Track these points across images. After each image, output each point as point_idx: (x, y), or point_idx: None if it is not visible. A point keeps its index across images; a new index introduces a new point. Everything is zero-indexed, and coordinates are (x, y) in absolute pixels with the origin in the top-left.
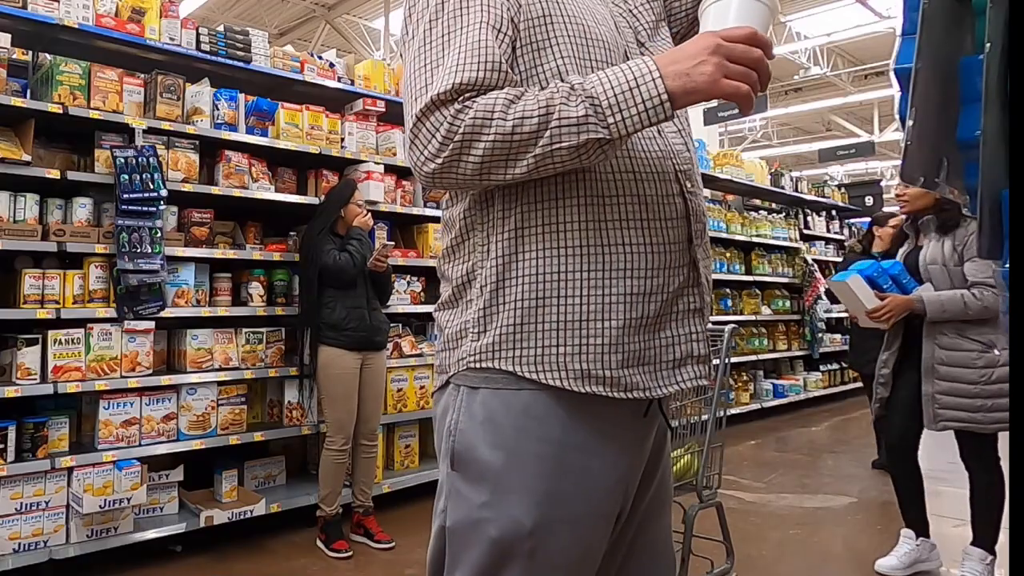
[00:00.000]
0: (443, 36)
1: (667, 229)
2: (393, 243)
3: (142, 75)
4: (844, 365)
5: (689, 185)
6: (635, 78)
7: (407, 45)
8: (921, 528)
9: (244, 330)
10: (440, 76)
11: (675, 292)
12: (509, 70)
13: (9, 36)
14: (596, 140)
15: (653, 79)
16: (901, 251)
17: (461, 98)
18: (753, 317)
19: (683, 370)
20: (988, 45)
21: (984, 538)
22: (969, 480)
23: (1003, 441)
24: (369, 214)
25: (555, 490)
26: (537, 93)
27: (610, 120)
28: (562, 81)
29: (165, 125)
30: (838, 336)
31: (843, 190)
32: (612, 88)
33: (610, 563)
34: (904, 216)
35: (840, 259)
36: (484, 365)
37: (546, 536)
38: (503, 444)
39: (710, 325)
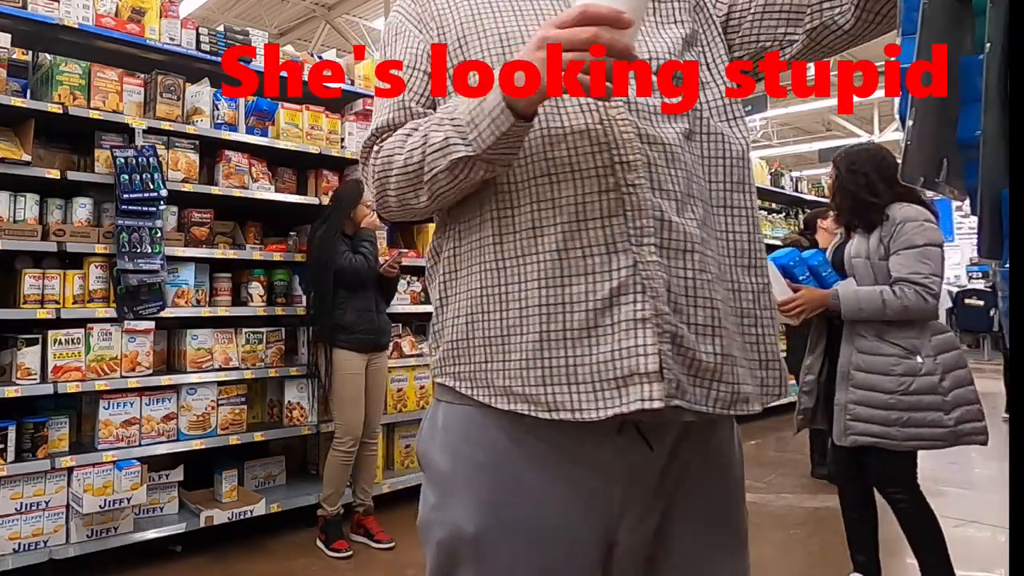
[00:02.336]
0: (379, 83)
1: (585, 231)
2: (407, 251)
3: (142, 75)
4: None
5: (633, 177)
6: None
7: None
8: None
9: (244, 330)
10: (372, 123)
11: (605, 300)
12: (414, 105)
13: (9, 36)
14: (463, 159)
15: (495, 90)
16: (832, 243)
17: (378, 141)
18: None
19: (629, 390)
20: (988, 45)
21: None
22: (896, 515)
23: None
24: (376, 214)
25: (497, 500)
26: (424, 124)
27: (470, 137)
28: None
29: (165, 125)
30: None
31: None
32: (468, 106)
33: None
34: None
35: None
36: (438, 380)
37: (488, 545)
38: (451, 450)
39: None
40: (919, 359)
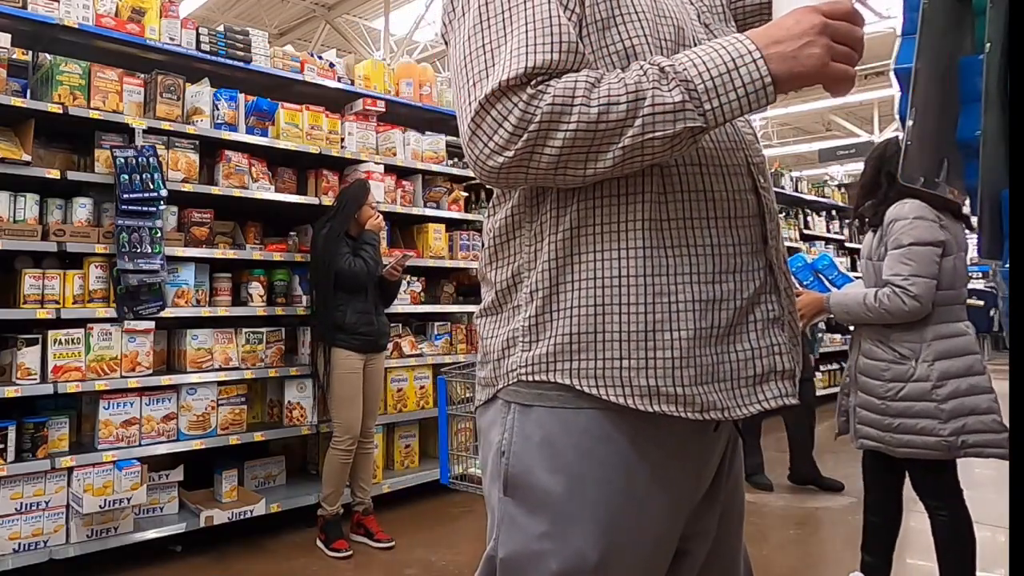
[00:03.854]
0: (504, 11)
1: (738, 228)
2: (412, 254)
3: (142, 75)
4: (844, 365)
5: (762, 180)
6: (732, 59)
7: (456, 22)
8: None
9: (244, 330)
10: (505, 58)
11: (750, 299)
12: (585, 51)
13: (9, 36)
14: (691, 129)
15: (754, 60)
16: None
17: (533, 82)
18: None
19: (765, 387)
20: (988, 45)
21: None
22: (930, 521)
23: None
24: (380, 216)
25: (622, 519)
26: (623, 75)
27: (707, 106)
28: (639, 62)
29: (165, 125)
30: (838, 336)
31: (843, 190)
32: (708, 70)
33: None
34: None
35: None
36: (537, 378)
37: (611, 567)
38: (563, 468)
39: None
40: (912, 364)
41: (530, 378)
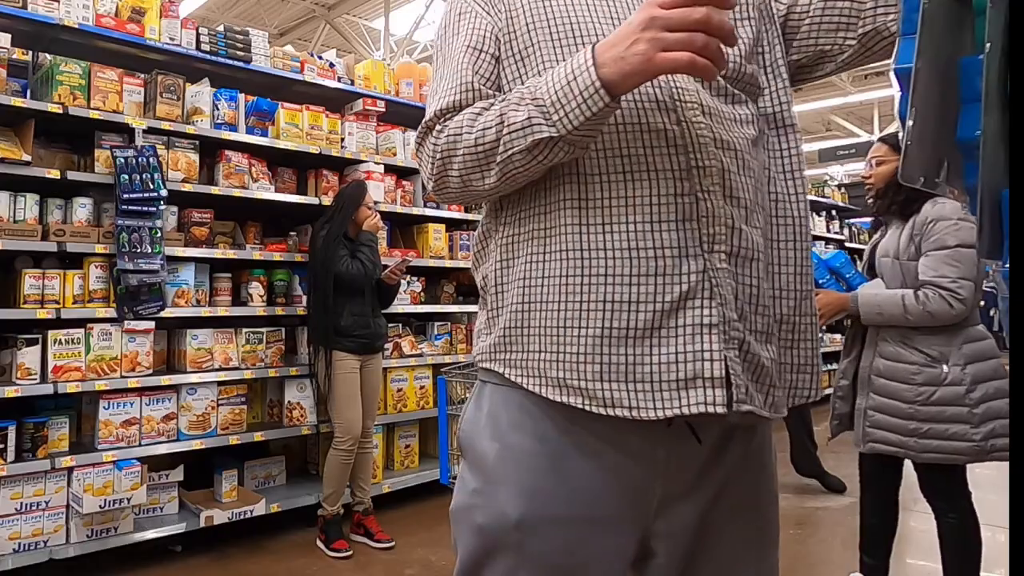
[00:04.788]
0: (439, 63)
1: (662, 232)
2: (411, 259)
3: (142, 75)
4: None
5: (709, 183)
6: (573, 71)
7: None
8: None
9: (244, 330)
10: (431, 104)
11: (675, 303)
12: (483, 86)
13: (9, 36)
14: (545, 140)
15: (587, 68)
16: (872, 241)
17: (442, 120)
18: None
19: (690, 393)
20: (988, 45)
21: None
22: (936, 523)
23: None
24: (378, 216)
25: (543, 488)
26: (499, 103)
27: (555, 117)
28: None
29: (165, 125)
30: (838, 336)
31: (843, 190)
32: (554, 85)
33: None
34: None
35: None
36: (485, 365)
37: (531, 532)
38: (499, 437)
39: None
40: (944, 368)
41: (483, 364)
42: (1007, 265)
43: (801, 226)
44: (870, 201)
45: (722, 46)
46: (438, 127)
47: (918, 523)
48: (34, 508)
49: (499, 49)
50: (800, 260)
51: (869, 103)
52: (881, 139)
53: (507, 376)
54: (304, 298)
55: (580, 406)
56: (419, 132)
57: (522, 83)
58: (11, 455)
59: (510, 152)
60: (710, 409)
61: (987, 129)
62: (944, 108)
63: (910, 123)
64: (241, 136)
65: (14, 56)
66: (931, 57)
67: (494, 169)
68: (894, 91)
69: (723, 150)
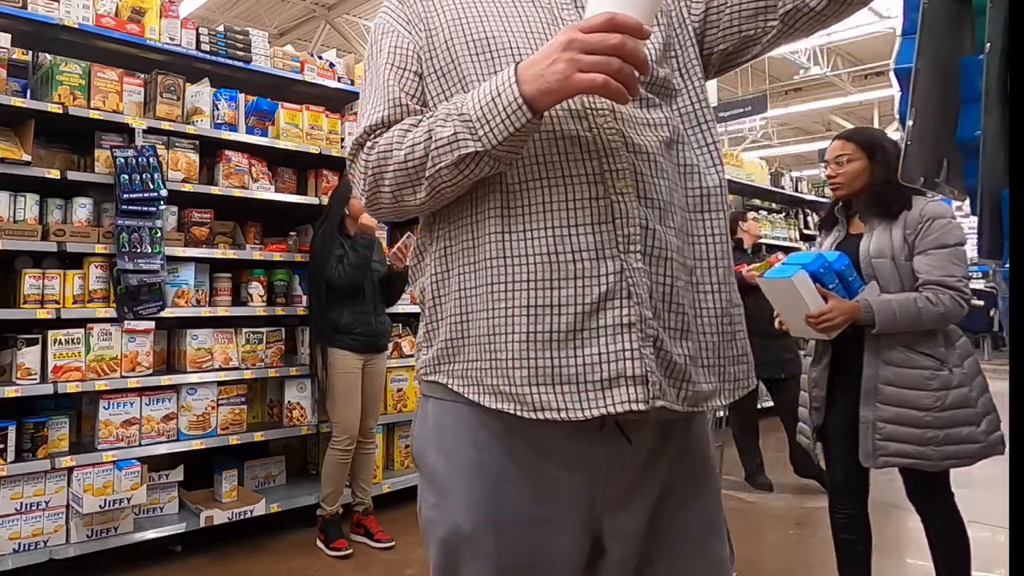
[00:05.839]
0: (367, 81)
1: (578, 236)
2: (412, 237)
3: (142, 75)
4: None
5: (621, 185)
6: (497, 87)
7: None
8: None
9: (244, 330)
10: (360, 121)
11: (594, 304)
12: (410, 103)
13: (9, 36)
14: (471, 155)
15: (510, 85)
16: (828, 241)
17: (372, 137)
18: None
19: (615, 392)
20: (988, 45)
21: None
22: (924, 526)
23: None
24: None
25: (489, 498)
26: (427, 119)
27: (480, 132)
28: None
29: (165, 125)
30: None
31: None
32: (479, 101)
33: None
34: (836, 200)
35: None
36: (429, 379)
37: (484, 542)
38: (445, 450)
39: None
40: (950, 371)
41: (426, 378)
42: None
43: (724, 219)
44: (837, 202)
45: (636, 72)
46: (369, 144)
47: (917, 523)
48: (34, 508)
49: (421, 66)
50: (723, 253)
51: (869, 103)
52: (841, 136)
53: (449, 387)
54: (304, 298)
55: (514, 412)
56: (350, 149)
57: (445, 99)
58: (11, 455)
59: (438, 167)
60: (633, 406)
61: (987, 129)
62: (944, 108)
63: (910, 123)
64: (241, 136)
65: (14, 56)
66: (931, 57)
67: (424, 184)
68: (894, 91)
69: (635, 153)
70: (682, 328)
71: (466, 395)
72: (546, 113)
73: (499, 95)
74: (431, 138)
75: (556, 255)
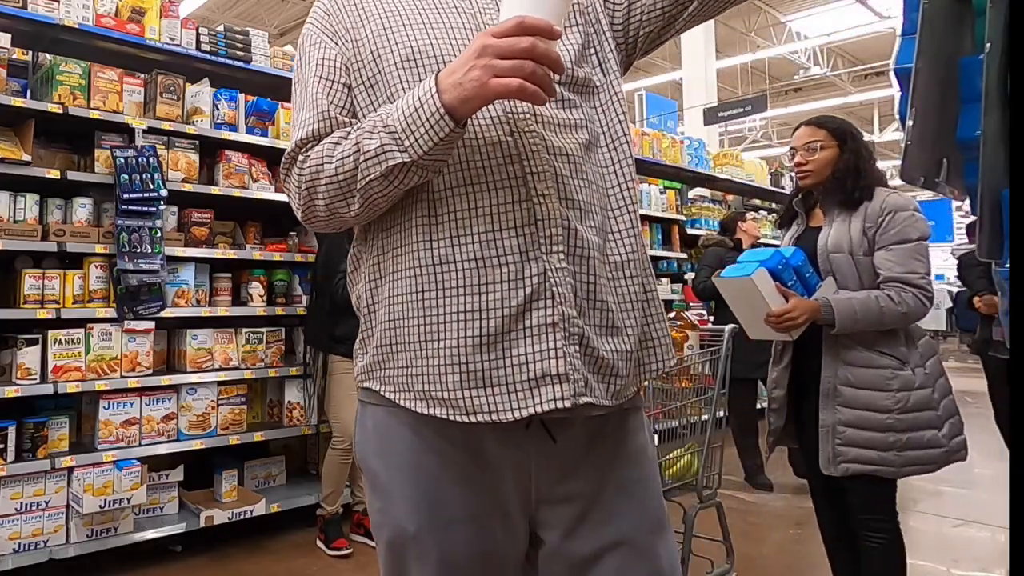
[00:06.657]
0: (296, 94)
1: (502, 240)
2: None
3: (142, 75)
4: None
5: (543, 187)
6: (419, 98)
7: None
8: None
9: (244, 330)
10: (292, 134)
11: (520, 306)
12: (339, 115)
13: (9, 36)
14: (399, 165)
15: (432, 96)
16: (789, 234)
17: (303, 151)
18: None
19: (542, 391)
20: (988, 45)
21: None
22: (861, 542)
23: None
24: None
25: (430, 498)
26: (355, 132)
27: (406, 143)
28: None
29: (165, 125)
30: None
31: None
32: (403, 113)
33: None
34: (798, 192)
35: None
36: (364, 385)
37: (427, 540)
38: (384, 454)
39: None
40: (911, 370)
41: (363, 384)
42: (1007, 265)
43: (633, 214)
44: (797, 194)
45: (551, 73)
46: (300, 158)
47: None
48: (34, 508)
49: (350, 78)
50: (639, 246)
51: (869, 103)
52: (810, 123)
53: (383, 394)
54: (304, 298)
55: (446, 416)
56: (283, 163)
57: (374, 110)
58: (11, 455)
59: (368, 179)
60: (558, 404)
61: (987, 129)
62: (944, 108)
63: (910, 123)
64: (241, 136)
65: (14, 56)
66: (931, 57)
67: (356, 196)
68: (894, 91)
69: (555, 156)
70: (607, 324)
71: (398, 401)
72: (471, 120)
73: (421, 106)
74: (359, 151)
75: (484, 259)
